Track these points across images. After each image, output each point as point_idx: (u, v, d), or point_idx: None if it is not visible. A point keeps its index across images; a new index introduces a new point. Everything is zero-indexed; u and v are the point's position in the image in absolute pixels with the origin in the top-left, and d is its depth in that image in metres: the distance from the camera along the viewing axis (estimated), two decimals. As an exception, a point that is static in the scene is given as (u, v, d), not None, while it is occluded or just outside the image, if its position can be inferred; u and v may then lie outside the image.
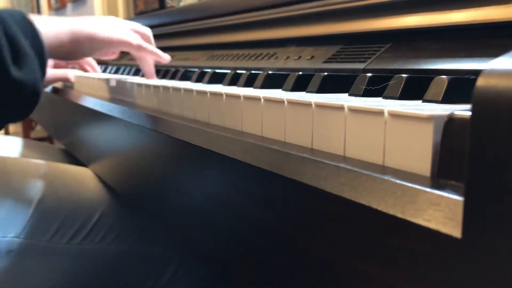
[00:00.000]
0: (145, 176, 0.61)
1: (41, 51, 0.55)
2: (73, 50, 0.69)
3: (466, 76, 0.37)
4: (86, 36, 0.69)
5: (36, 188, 0.74)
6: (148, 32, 0.81)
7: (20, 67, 0.51)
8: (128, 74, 1.09)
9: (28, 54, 0.52)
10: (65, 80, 1.05)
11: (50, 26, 0.63)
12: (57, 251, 0.71)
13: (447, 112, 0.26)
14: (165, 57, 0.80)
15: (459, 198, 0.22)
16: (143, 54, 0.78)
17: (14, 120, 0.57)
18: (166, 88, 0.61)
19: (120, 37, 0.73)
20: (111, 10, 2.03)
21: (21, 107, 0.54)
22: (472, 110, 0.20)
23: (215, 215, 0.43)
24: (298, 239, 0.32)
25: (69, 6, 3.09)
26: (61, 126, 1.13)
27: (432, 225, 0.22)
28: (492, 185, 0.19)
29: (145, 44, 0.77)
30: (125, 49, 0.76)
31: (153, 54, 0.79)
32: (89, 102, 0.83)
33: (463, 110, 0.26)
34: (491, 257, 0.19)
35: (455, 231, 0.21)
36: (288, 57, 0.66)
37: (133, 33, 0.77)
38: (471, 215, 0.20)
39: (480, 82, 0.20)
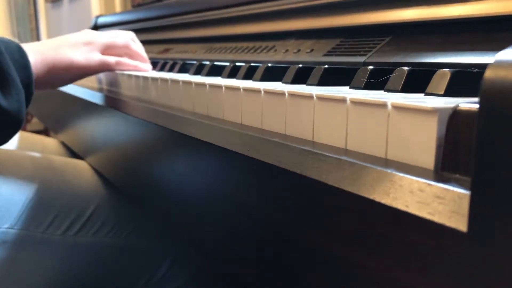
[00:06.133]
0: (142, 169, 0.60)
1: (29, 83, 0.57)
2: (50, 80, 0.67)
3: (469, 69, 0.36)
4: (62, 66, 0.67)
5: (31, 179, 0.73)
6: (127, 40, 0.77)
7: (6, 96, 0.53)
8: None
9: (17, 84, 0.54)
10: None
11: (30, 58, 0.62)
12: (52, 242, 0.71)
13: (451, 105, 0.26)
14: (145, 69, 0.78)
15: (464, 191, 0.22)
16: (123, 69, 0.76)
17: None
18: (164, 80, 0.60)
19: (98, 59, 0.71)
20: (108, 2, 2.02)
21: (0, 133, 0.55)
22: (480, 102, 0.20)
23: (213, 209, 0.43)
24: (299, 233, 0.32)
25: (66, -2, 3.06)
26: (57, 119, 1.13)
27: (436, 218, 0.22)
28: (499, 178, 0.19)
29: (123, 61, 0.75)
30: (105, 70, 0.74)
31: (133, 68, 0.77)
32: (85, 93, 0.83)
33: (468, 103, 0.25)
34: (498, 250, 0.19)
35: (461, 225, 0.21)
36: (287, 50, 0.66)
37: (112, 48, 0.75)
38: (477, 208, 0.20)
39: (488, 74, 0.19)
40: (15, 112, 0.54)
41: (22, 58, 0.58)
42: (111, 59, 0.73)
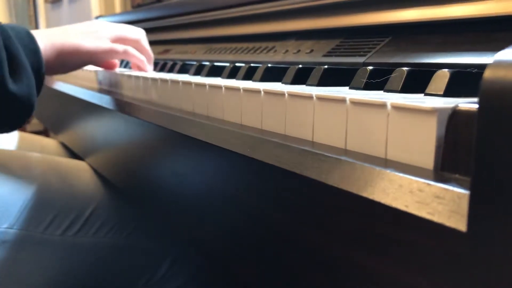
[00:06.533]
0: (142, 169, 0.60)
1: (39, 68, 0.58)
2: (59, 65, 0.68)
3: (468, 69, 0.36)
4: (71, 50, 0.67)
5: (30, 180, 0.73)
6: (138, 35, 0.78)
7: (16, 81, 0.53)
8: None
9: (26, 69, 0.55)
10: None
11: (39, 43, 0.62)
12: (51, 243, 0.71)
13: (451, 105, 0.26)
14: (147, 69, 0.78)
15: (464, 191, 0.22)
16: (129, 59, 0.77)
17: (2, 131, 0.58)
18: (164, 81, 0.60)
19: (106, 46, 0.72)
20: (108, 3, 2.02)
21: (11, 119, 0.57)
22: (479, 102, 0.20)
23: (213, 209, 0.43)
24: (299, 233, 0.32)
25: (65, -2, 3.06)
26: (57, 119, 1.13)
27: (435, 218, 0.22)
28: (499, 178, 0.19)
29: (131, 51, 0.75)
30: (113, 57, 0.75)
31: (139, 61, 0.77)
32: (85, 94, 0.83)
33: (467, 103, 0.25)
34: (498, 250, 0.19)
35: (460, 225, 0.21)
36: (287, 51, 0.66)
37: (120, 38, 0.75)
38: (477, 208, 0.20)
39: (488, 73, 0.19)
40: (26, 96, 0.54)
41: (31, 43, 0.58)
42: (120, 47, 0.74)
